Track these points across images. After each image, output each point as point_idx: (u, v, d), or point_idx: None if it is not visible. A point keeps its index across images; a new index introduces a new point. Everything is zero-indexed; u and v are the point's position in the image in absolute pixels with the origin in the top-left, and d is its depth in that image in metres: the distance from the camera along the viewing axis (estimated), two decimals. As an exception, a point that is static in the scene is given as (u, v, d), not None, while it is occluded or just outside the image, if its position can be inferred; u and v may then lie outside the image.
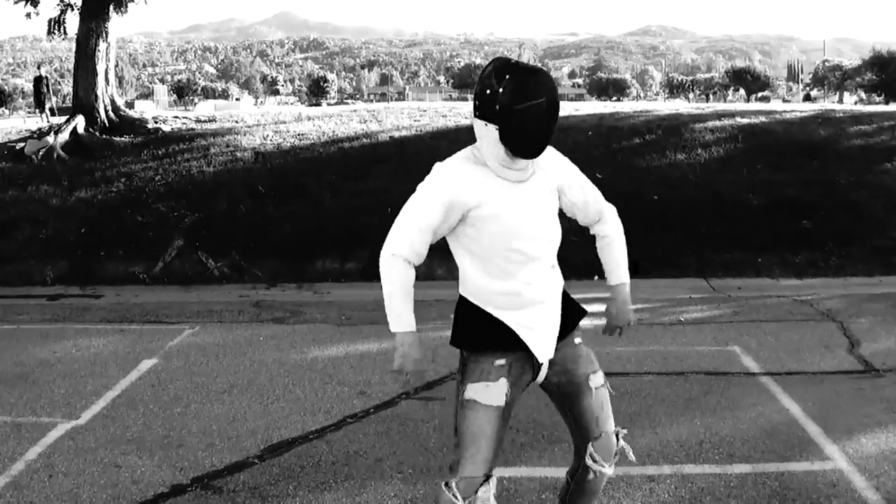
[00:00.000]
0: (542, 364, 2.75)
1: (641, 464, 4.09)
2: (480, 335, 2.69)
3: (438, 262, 8.58)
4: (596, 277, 9.19)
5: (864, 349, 6.14)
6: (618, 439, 2.86)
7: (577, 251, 9.60)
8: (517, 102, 2.41)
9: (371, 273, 9.52)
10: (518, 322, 2.68)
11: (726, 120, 14.68)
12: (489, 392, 2.64)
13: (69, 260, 10.02)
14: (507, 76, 2.43)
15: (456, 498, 2.54)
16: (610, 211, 2.99)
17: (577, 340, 2.86)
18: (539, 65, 2.64)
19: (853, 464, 4.05)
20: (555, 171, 2.75)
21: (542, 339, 2.71)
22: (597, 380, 2.84)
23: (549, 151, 2.76)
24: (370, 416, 4.89)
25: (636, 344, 6.41)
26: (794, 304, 7.79)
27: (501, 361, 2.68)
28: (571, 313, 2.85)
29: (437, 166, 2.62)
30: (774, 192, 10.99)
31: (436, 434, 4.51)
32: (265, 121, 16.60)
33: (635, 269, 3.07)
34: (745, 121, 14.60)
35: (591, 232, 2.99)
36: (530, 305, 2.68)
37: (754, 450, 4.25)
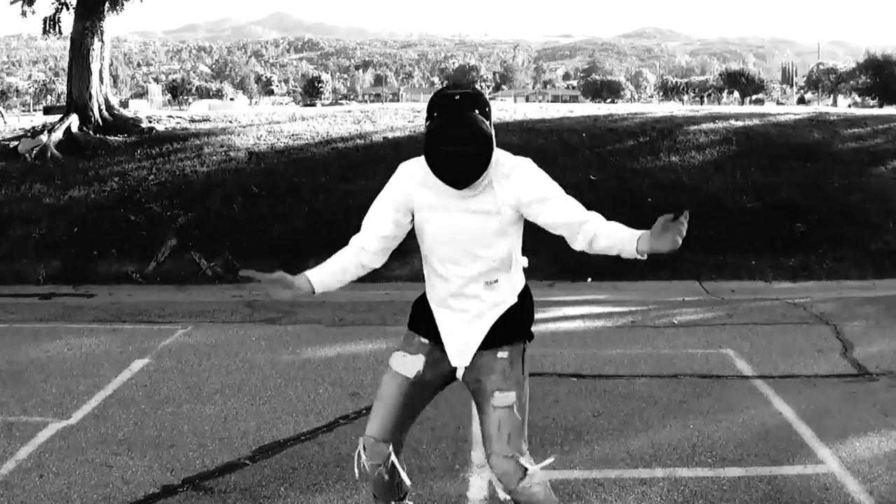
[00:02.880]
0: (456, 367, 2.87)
1: (634, 466, 4.09)
2: (415, 317, 2.95)
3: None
4: (589, 279, 9.20)
5: (857, 353, 6.15)
6: (519, 465, 2.71)
7: (571, 252, 9.62)
8: (434, 144, 2.55)
9: (364, 275, 9.52)
10: (442, 321, 2.85)
11: (720, 122, 14.70)
12: (404, 361, 2.85)
13: (62, 259, 9.99)
14: (435, 114, 2.56)
15: (360, 455, 2.83)
16: (589, 214, 2.73)
17: (501, 354, 2.80)
18: (471, 113, 2.54)
19: (846, 467, 4.04)
20: (515, 191, 2.67)
21: (458, 346, 2.82)
22: (501, 399, 2.73)
23: (520, 168, 2.70)
24: (362, 418, 4.87)
25: (629, 346, 6.41)
26: (787, 307, 7.80)
27: (426, 341, 2.88)
28: (507, 329, 2.82)
29: (403, 165, 2.80)
30: (768, 195, 11.01)
31: (427, 435, 4.50)
32: (259, 121, 16.56)
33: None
34: (740, 123, 14.63)
35: (577, 248, 2.76)
36: (455, 312, 2.81)
37: (747, 453, 4.24)
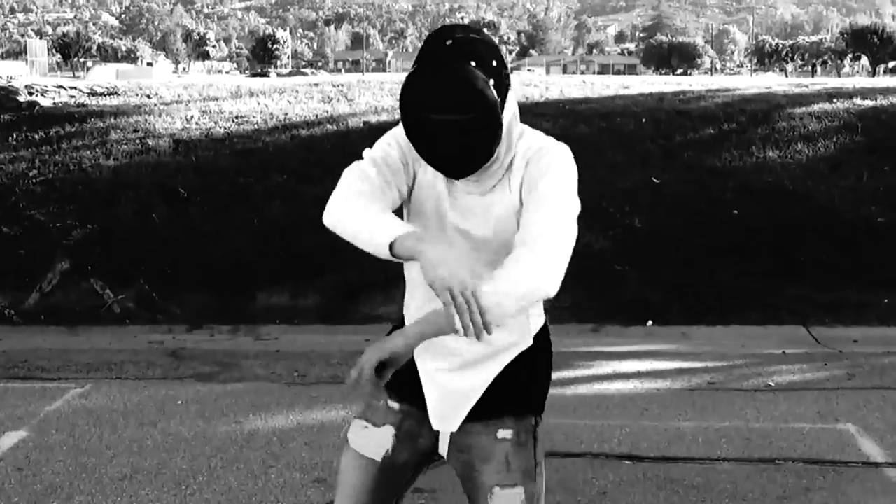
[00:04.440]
0: (439, 432, 2.78)
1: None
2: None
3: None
4: (649, 323, 9.22)
5: None
6: None
7: (622, 284, 9.64)
8: (407, 105, 2.44)
9: (334, 311, 9.53)
10: (426, 368, 2.76)
11: (840, 102, 14.75)
12: (366, 437, 2.80)
13: None
14: (415, 65, 2.44)
15: None
16: (545, 252, 2.42)
17: (503, 434, 2.72)
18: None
19: None
20: (522, 175, 2.60)
21: (444, 401, 2.73)
22: (503, 498, 2.68)
23: (543, 152, 2.60)
24: (331, 515, 4.89)
25: (706, 417, 6.42)
26: (931, 365, 7.82)
27: (396, 405, 2.80)
28: (513, 391, 2.75)
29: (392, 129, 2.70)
30: (906, 206, 11.04)
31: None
32: (189, 96, 16.65)
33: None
34: (869, 103, 14.67)
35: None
36: (445, 354, 2.70)
37: (873, 570, 4.25)
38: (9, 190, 11.63)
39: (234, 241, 10.49)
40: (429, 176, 2.65)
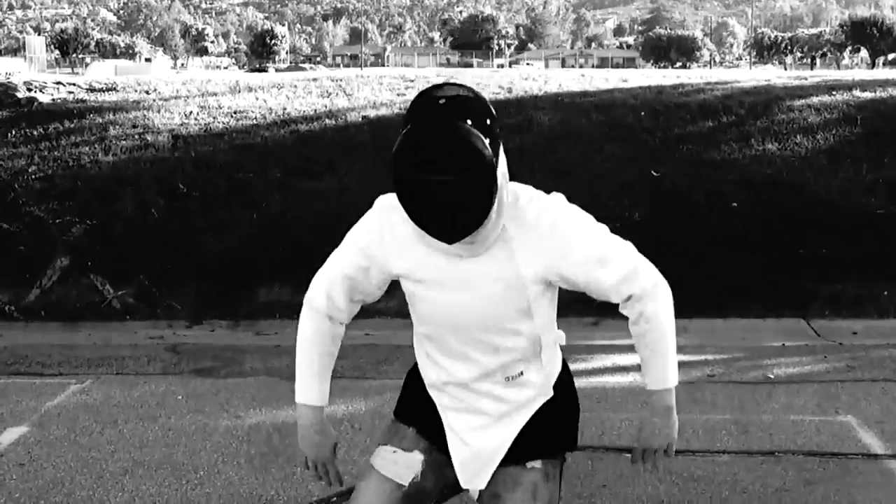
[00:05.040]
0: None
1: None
2: (409, 405, 2.91)
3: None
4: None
5: None
6: None
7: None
8: (401, 167, 2.36)
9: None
10: (451, 424, 2.79)
11: (840, 94, 14.74)
12: (394, 461, 2.76)
13: None
14: (408, 125, 2.36)
15: None
16: (647, 281, 2.69)
17: (533, 464, 2.74)
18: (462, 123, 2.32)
19: None
20: (545, 256, 2.57)
21: (471, 461, 2.74)
22: None
23: (549, 216, 2.57)
24: (332, 509, 4.89)
25: (706, 410, 6.42)
26: (931, 357, 7.82)
27: (424, 439, 2.82)
28: (540, 437, 2.77)
29: (380, 201, 2.71)
30: (905, 198, 11.03)
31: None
32: (188, 92, 16.64)
33: None
34: (868, 95, 14.66)
35: (622, 311, 2.86)
36: (463, 413, 2.75)
37: (873, 560, 4.26)
38: (8, 186, 11.62)
39: (234, 236, 10.48)
40: (406, 264, 2.66)
